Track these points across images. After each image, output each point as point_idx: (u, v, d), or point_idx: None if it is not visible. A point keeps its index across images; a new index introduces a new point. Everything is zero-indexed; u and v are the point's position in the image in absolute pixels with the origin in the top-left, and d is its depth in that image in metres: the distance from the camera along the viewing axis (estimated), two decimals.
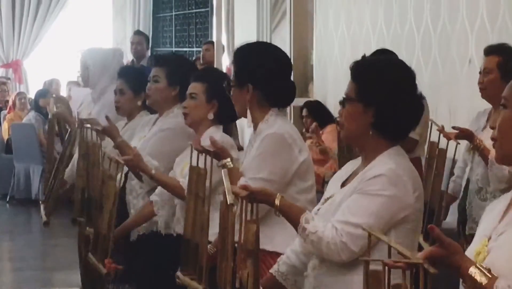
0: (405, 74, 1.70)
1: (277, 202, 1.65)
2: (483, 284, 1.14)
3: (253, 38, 6.19)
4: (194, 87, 2.63)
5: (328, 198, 1.71)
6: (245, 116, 2.31)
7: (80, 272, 3.97)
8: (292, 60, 3.31)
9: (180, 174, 2.60)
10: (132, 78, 3.20)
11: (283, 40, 6.12)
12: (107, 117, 2.97)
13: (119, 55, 3.91)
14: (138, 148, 2.78)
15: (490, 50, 2.89)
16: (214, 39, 6.78)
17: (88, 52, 3.92)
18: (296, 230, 1.64)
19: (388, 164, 1.63)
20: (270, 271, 1.78)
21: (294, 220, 1.65)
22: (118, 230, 2.68)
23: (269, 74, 2.18)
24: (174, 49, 9.20)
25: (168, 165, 2.74)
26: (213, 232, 2.09)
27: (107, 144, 2.99)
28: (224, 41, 6.80)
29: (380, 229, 1.53)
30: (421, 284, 1.03)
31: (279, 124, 2.15)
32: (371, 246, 1.22)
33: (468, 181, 2.95)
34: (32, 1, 9.28)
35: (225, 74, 2.93)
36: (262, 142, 2.14)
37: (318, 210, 1.72)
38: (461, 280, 1.21)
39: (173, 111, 2.91)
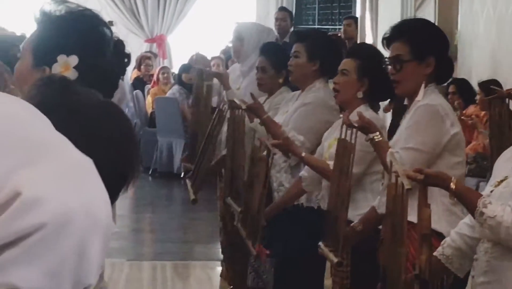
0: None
1: (452, 185, 1.69)
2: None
3: (397, 17, 6.03)
4: (346, 63, 2.67)
5: (501, 180, 1.71)
6: (409, 95, 2.29)
7: (221, 246, 4.16)
8: None
9: (328, 150, 2.66)
10: (274, 56, 3.29)
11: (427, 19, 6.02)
12: (252, 95, 3.12)
13: (273, 35, 4.02)
14: (281, 122, 2.91)
15: None
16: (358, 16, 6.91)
17: (245, 25, 4.07)
18: (472, 214, 1.66)
19: None
20: (434, 253, 1.78)
21: (470, 204, 1.67)
22: (269, 210, 2.77)
23: (446, 48, 2.30)
24: (316, 27, 9.47)
25: (313, 139, 2.81)
26: (359, 212, 2.29)
27: (259, 128, 3.08)
28: (367, 19, 6.78)
29: None
30: None
31: (433, 98, 2.20)
32: None
33: None
34: None
35: (378, 51, 2.87)
36: (414, 114, 2.20)
37: (491, 192, 1.71)
38: None
39: (315, 86, 3.00)
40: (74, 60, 1.34)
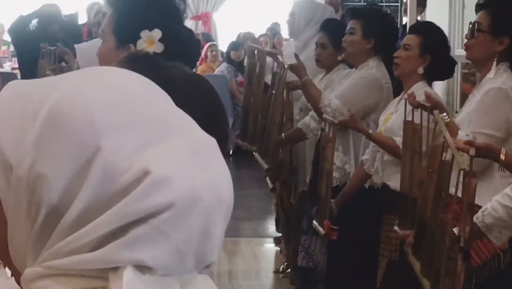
0: None
1: (502, 156, 1.79)
2: None
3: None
4: (409, 38, 2.75)
5: None
6: (477, 64, 2.40)
7: (276, 223, 4.24)
8: None
9: (383, 124, 2.74)
10: (334, 33, 3.30)
11: None
12: (296, 55, 3.24)
13: (330, 12, 3.98)
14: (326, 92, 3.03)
15: None
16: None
17: (300, 2, 4.07)
18: None
19: None
20: (473, 220, 1.79)
21: None
22: (340, 199, 2.82)
23: None
24: (363, 4, 9.32)
25: (355, 111, 2.82)
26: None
27: None
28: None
29: None
30: None
31: (504, 80, 2.23)
32: None
33: None
34: None
35: (442, 31, 2.93)
36: (484, 96, 2.22)
37: None
38: None
39: (368, 64, 3.02)
40: (157, 33, 1.37)
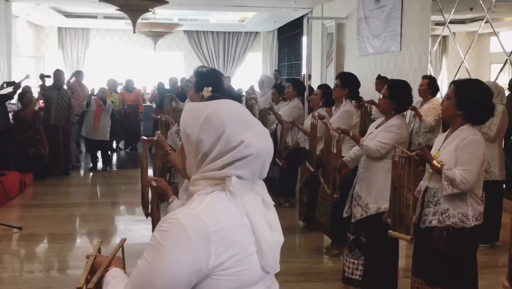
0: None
1: (351, 134, 4.26)
2: (439, 166, 3.02)
3: None
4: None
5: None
6: None
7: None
8: None
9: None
10: (278, 88, 5.09)
11: None
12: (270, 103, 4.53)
13: (274, 80, 5.45)
14: None
15: None
16: None
17: (264, 75, 6.06)
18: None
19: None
20: (343, 159, 4.53)
21: (357, 142, 4.21)
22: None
23: None
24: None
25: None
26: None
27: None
28: None
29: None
30: (414, 170, 3.03)
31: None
32: None
33: None
34: None
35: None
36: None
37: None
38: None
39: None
40: (210, 89, 3.02)
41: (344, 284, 4.27)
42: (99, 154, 9.96)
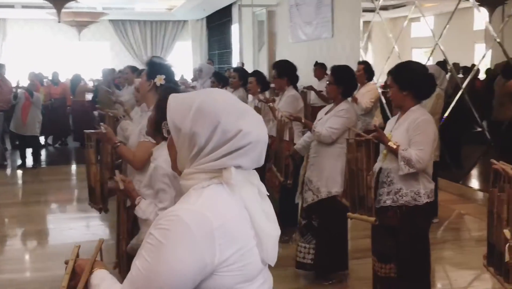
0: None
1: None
2: (395, 147, 3.14)
3: None
4: None
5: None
6: None
7: None
8: None
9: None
10: (217, 76, 4.52)
11: None
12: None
13: (213, 68, 5.21)
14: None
15: None
16: None
17: (204, 64, 5.33)
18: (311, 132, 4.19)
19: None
20: (294, 147, 4.63)
21: (309, 128, 4.32)
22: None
23: None
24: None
25: None
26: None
27: None
28: None
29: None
30: (372, 153, 3.17)
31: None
32: None
33: None
34: None
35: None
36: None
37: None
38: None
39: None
40: (163, 77, 3.20)
41: (297, 268, 4.33)
42: (28, 150, 9.55)
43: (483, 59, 7.63)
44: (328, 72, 8.16)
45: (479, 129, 8.02)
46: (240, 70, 7.25)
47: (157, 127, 2.56)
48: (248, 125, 1.33)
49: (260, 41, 13.63)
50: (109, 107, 6.40)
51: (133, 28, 18.81)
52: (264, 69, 12.50)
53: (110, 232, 5.66)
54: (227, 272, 1.24)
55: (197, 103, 1.33)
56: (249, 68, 12.99)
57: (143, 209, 2.49)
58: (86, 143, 3.57)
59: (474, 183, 7.43)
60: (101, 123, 3.51)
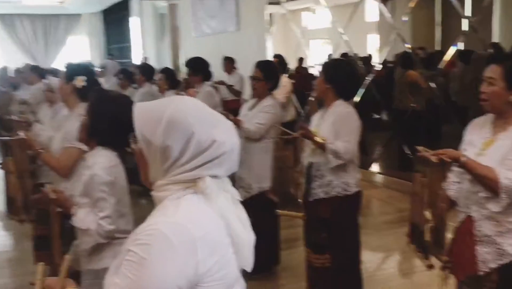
0: None
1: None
2: (322, 142, 3.22)
3: None
4: None
5: None
6: None
7: None
8: None
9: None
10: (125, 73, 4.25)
11: None
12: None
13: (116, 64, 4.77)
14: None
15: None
16: None
17: (108, 61, 5.20)
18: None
19: None
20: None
21: None
22: None
23: None
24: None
25: None
26: None
27: None
28: None
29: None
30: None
31: None
32: None
33: None
34: None
35: None
36: None
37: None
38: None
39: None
40: (83, 78, 3.17)
41: None
42: None
43: (385, 50, 8.05)
44: (237, 66, 8.38)
45: (383, 117, 8.50)
46: (143, 66, 7.21)
47: (92, 133, 2.50)
48: (222, 135, 1.33)
49: (162, 35, 13.49)
50: (5, 110, 6.08)
51: (23, 23, 17.83)
52: (168, 64, 12.38)
53: (16, 243, 5.44)
54: (211, 282, 1.25)
55: (168, 115, 1.30)
56: (152, 63, 12.83)
57: (82, 218, 2.42)
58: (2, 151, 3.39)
59: (379, 168, 7.87)
60: (19, 131, 3.33)
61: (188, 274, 1.21)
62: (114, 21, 16.86)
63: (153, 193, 1.34)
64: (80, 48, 18.71)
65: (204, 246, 1.23)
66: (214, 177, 1.32)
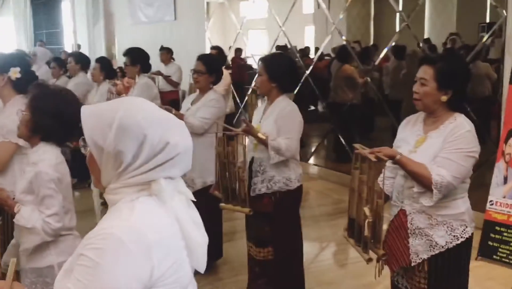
0: None
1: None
2: (264, 138, 3.29)
3: None
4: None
5: None
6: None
7: None
8: None
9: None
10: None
11: None
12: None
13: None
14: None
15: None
16: None
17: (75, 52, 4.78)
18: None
19: None
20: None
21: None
22: None
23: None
24: None
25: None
26: None
27: None
28: None
29: None
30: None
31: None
32: None
33: None
34: None
35: None
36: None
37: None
38: None
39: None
40: (18, 70, 3.07)
41: None
42: None
43: (324, 43, 8.21)
44: (174, 56, 8.31)
45: (320, 109, 8.69)
46: (76, 54, 7.04)
47: (34, 129, 2.46)
48: (175, 136, 1.32)
49: (96, 20, 13.15)
50: None
51: None
52: (102, 52, 12.09)
53: None
54: (165, 285, 1.26)
55: (118, 120, 1.28)
56: (85, 51, 12.48)
57: (26, 216, 2.38)
58: None
59: (316, 160, 8.07)
60: None
61: (143, 279, 1.21)
62: (43, 4, 16.26)
63: (106, 196, 1.33)
64: (4, 31, 17.89)
65: (159, 251, 1.23)
66: (168, 178, 1.32)
